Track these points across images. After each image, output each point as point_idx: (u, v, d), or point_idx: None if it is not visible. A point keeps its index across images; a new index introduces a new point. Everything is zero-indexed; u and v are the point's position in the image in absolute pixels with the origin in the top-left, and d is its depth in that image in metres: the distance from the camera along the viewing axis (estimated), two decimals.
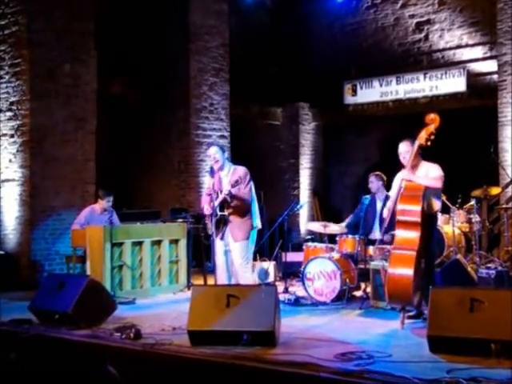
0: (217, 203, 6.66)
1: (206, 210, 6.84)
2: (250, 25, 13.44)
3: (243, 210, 6.74)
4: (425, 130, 6.03)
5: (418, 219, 5.76)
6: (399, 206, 5.89)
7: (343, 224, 8.28)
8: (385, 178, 8.04)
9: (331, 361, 4.52)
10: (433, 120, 6.06)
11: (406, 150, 6.21)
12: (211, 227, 6.74)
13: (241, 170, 6.83)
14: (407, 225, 5.82)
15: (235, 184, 6.53)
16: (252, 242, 6.91)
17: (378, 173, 8.13)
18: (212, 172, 7.08)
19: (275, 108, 14.40)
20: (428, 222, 5.95)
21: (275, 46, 13.94)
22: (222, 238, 6.80)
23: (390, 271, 5.84)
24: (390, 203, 6.34)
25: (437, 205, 6.11)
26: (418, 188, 5.89)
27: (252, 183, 6.85)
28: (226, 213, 6.68)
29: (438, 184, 5.99)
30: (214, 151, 6.91)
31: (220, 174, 6.93)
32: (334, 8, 13.64)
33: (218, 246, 6.83)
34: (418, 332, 5.47)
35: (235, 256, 6.78)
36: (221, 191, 6.72)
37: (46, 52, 9.22)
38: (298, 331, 5.69)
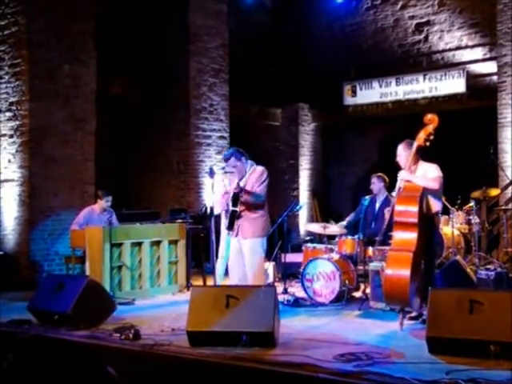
0: (230, 198, 6.51)
1: (221, 205, 6.70)
2: (249, 25, 13.44)
3: (255, 206, 6.53)
4: (423, 130, 6.04)
5: (415, 220, 5.76)
6: (396, 207, 5.89)
7: (343, 223, 8.28)
8: (387, 179, 8.05)
9: (330, 362, 4.52)
10: (431, 120, 6.06)
11: (398, 154, 6.25)
12: (225, 223, 6.65)
13: (258, 170, 6.65)
14: (404, 226, 5.81)
15: (243, 188, 6.44)
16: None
17: (380, 174, 8.14)
18: (211, 173, 6.98)
19: (275, 109, 14.40)
20: (427, 223, 5.95)
21: (275, 46, 13.95)
22: (236, 235, 6.60)
23: (386, 272, 5.85)
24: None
25: (436, 206, 6.10)
26: (415, 189, 5.89)
27: (266, 183, 6.62)
28: (237, 209, 6.47)
29: (435, 185, 5.97)
30: (231, 164, 6.58)
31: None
32: (334, 9, 13.65)
33: (232, 244, 6.69)
34: (417, 333, 5.47)
35: (245, 255, 6.58)
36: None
37: (46, 52, 9.22)
38: (297, 332, 5.70)
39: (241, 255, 6.63)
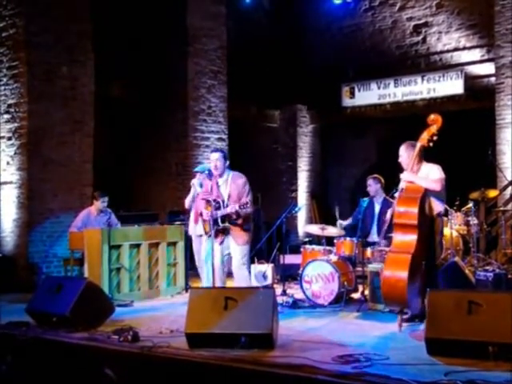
0: (220, 214, 6.75)
1: (206, 215, 6.88)
2: (247, 27, 13.44)
3: (245, 219, 6.86)
4: (426, 131, 6.03)
5: (415, 222, 5.74)
6: (397, 208, 5.88)
7: (344, 222, 8.29)
8: (383, 180, 8.05)
9: (329, 363, 4.51)
10: (434, 121, 6.05)
11: (400, 154, 6.24)
12: (209, 230, 6.84)
13: (240, 180, 6.90)
14: (404, 227, 5.81)
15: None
16: None
17: (375, 175, 8.14)
18: (210, 175, 7.10)
19: (273, 110, 14.41)
20: (428, 225, 5.93)
21: (273, 48, 13.95)
22: (221, 243, 6.91)
23: (384, 273, 5.85)
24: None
25: (438, 207, 6.07)
26: (417, 190, 5.87)
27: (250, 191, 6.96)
28: (227, 224, 6.79)
29: (438, 187, 5.95)
30: (215, 157, 6.96)
31: (218, 180, 7.00)
32: (332, 10, 13.64)
33: (216, 249, 6.89)
34: (415, 334, 5.47)
35: (235, 257, 6.91)
36: (222, 200, 6.81)
37: (44, 54, 9.22)
38: (295, 333, 5.69)
39: (223, 260, 6.95)
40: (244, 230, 6.88)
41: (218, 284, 6.87)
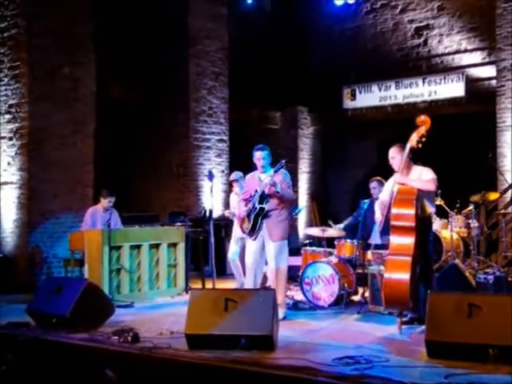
0: (258, 194, 6.48)
1: (244, 211, 6.64)
2: (249, 29, 13.44)
3: (283, 207, 6.57)
4: (416, 132, 6.02)
5: (413, 224, 5.74)
6: (393, 211, 5.86)
7: (341, 225, 8.28)
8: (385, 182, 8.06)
9: (329, 365, 4.51)
10: (423, 122, 6.04)
11: (391, 156, 6.24)
12: (247, 226, 6.56)
13: (281, 174, 6.65)
14: (402, 230, 5.80)
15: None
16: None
17: (379, 178, 8.13)
18: (210, 176, 7.04)
19: (274, 112, 14.41)
20: (422, 226, 5.93)
21: (274, 49, 13.94)
22: (255, 239, 6.59)
23: (386, 276, 5.83)
24: (380, 206, 6.33)
25: (430, 208, 6.09)
26: (411, 192, 5.87)
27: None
28: (265, 206, 6.47)
29: (432, 187, 5.96)
30: (261, 155, 6.67)
31: (260, 177, 6.70)
32: (334, 12, 13.65)
33: (250, 246, 6.66)
34: (415, 337, 5.47)
35: (269, 257, 6.59)
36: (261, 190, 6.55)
37: (45, 55, 9.22)
38: (296, 335, 5.69)
39: (261, 256, 6.62)
40: (281, 220, 6.52)
41: (249, 285, 6.58)
